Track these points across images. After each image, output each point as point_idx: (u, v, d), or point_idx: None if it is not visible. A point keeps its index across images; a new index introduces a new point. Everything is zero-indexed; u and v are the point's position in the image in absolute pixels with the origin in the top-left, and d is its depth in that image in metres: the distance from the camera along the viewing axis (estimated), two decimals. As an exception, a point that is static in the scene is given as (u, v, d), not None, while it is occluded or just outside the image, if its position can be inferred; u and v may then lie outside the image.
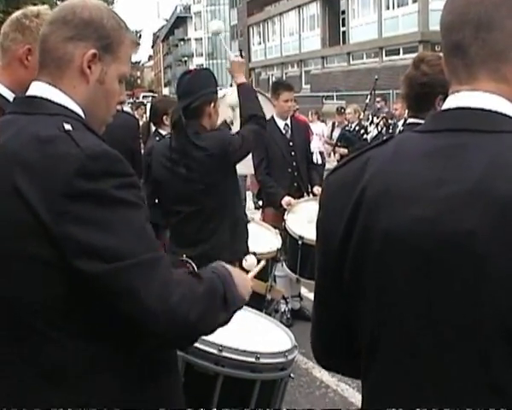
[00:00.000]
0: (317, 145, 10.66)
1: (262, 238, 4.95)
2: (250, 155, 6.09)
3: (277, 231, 5.24)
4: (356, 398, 4.62)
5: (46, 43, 1.68)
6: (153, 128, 6.14)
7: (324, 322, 1.50)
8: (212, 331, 1.73)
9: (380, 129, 11.14)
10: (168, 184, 3.81)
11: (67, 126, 1.54)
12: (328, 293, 1.44)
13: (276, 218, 5.93)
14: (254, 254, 3.86)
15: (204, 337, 2.46)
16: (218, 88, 3.98)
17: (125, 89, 1.82)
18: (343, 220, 1.33)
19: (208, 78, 3.84)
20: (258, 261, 2.22)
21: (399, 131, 6.12)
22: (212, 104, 3.76)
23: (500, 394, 1.17)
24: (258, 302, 4.11)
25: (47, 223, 1.46)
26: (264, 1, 53.30)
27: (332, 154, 11.73)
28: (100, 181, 1.49)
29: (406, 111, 4.36)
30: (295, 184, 6.23)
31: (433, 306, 1.21)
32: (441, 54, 1.38)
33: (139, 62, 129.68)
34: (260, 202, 6.76)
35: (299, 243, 5.50)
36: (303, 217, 5.63)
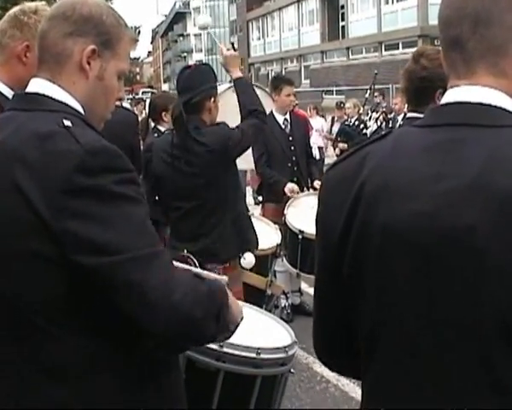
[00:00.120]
0: (315, 141, 10.67)
1: (262, 234, 4.95)
2: (250, 150, 6.11)
3: (277, 226, 5.24)
4: (356, 393, 4.63)
5: (45, 39, 1.68)
6: (152, 124, 6.12)
7: (324, 320, 1.50)
8: (207, 338, 1.69)
9: (379, 123, 11.15)
10: (169, 179, 3.81)
11: (67, 123, 1.54)
12: (328, 289, 1.44)
13: (277, 213, 5.93)
14: (252, 252, 3.87)
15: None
16: (219, 83, 3.97)
17: (123, 85, 1.82)
18: (342, 215, 1.32)
19: (208, 73, 3.84)
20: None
21: (399, 126, 6.12)
22: (212, 99, 3.76)
23: (501, 393, 1.16)
24: (259, 298, 4.12)
25: (47, 219, 1.46)
26: (263, -4, 53.29)
27: (332, 148, 11.74)
28: (99, 177, 1.48)
29: (406, 105, 4.35)
30: (295, 179, 6.23)
31: (434, 306, 1.20)
32: (440, 48, 1.38)
33: (138, 58, 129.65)
34: (260, 198, 6.76)
35: (300, 237, 5.50)
36: (303, 211, 5.63)
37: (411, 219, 1.22)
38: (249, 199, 9.20)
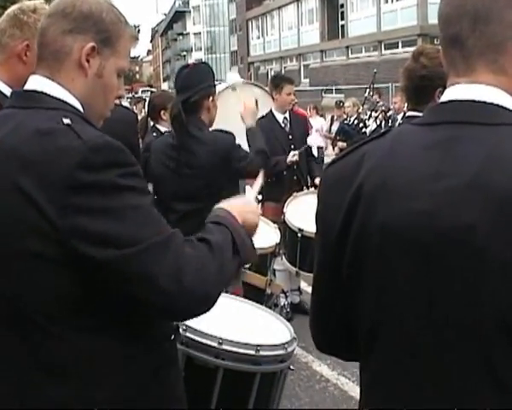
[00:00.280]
0: (315, 140, 10.65)
1: (260, 233, 4.94)
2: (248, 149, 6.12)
3: (276, 225, 5.24)
4: (355, 392, 4.62)
5: (44, 36, 1.67)
6: (150, 123, 6.12)
7: (324, 320, 1.50)
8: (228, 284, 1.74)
9: (379, 122, 11.15)
10: (168, 181, 3.79)
11: (67, 121, 1.53)
12: (328, 288, 1.44)
13: (276, 211, 5.93)
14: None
15: (204, 331, 2.47)
16: (218, 82, 3.97)
17: (123, 83, 1.81)
18: (341, 215, 1.32)
19: (206, 72, 3.84)
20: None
21: (399, 125, 6.12)
22: (211, 98, 3.76)
23: (501, 393, 1.17)
24: (258, 297, 4.12)
25: (51, 217, 1.45)
26: (262, -5, 53.26)
27: (331, 147, 11.73)
28: (103, 172, 1.48)
29: (406, 104, 4.36)
30: (295, 178, 6.24)
31: (434, 305, 1.20)
32: (440, 46, 1.38)
33: (138, 57, 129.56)
34: (260, 197, 6.76)
35: (299, 235, 5.50)
36: (302, 210, 5.63)
37: (411, 218, 1.22)
38: (249, 198, 9.18)
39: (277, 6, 50.68)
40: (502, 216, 1.13)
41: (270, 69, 49.92)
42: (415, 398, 1.25)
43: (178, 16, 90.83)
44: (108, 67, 1.69)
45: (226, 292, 3.16)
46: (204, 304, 1.59)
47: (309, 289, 6.46)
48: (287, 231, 5.63)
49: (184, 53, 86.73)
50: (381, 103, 12.61)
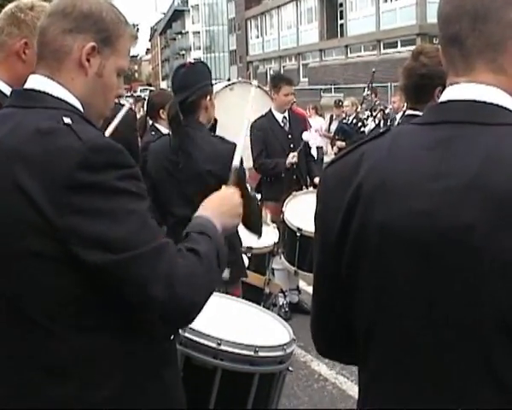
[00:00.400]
0: (314, 140, 10.64)
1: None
2: (248, 148, 6.12)
3: (274, 225, 5.25)
4: (354, 391, 4.62)
5: (44, 35, 1.67)
6: (149, 122, 6.11)
7: (324, 320, 1.49)
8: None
9: (377, 122, 11.15)
10: (166, 184, 3.75)
11: (67, 120, 1.54)
12: (327, 289, 1.44)
13: (276, 210, 5.94)
14: (251, 248, 3.83)
15: (203, 331, 2.47)
16: (218, 81, 3.95)
17: (123, 82, 1.81)
18: (340, 215, 1.32)
19: (203, 71, 3.81)
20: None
21: (397, 124, 6.12)
22: (208, 97, 3.73)
23: (501, 393, 1.16)
24: (257, 296, 4.12)
25: (50, 216, 1.46)
26: (261, -6, 53.28)
27: (330, 147, 11.74)
28: (102, 173, 1.48)
29: (405, 104, 4.35)
30: (294, 177, 6.24)
31: (434, 306, 1.20)
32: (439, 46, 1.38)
33: (137, 56, 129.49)
34: (259, 196, 6.76)
35: (298, 235, 5.50)
36: (302, 209, 5.63)
37: (410, 218, 1.21)
38: (247, 197, 9.18)
39: (276, 5, 50.69)
40: (501, 216, 1.13)
41: (269, 68, 49.92)
42: (415, 398, 1.25)
43: (177, 15, 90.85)
44: (108, 67, 1.69)
45: (226, 293, 3.16)
46: (192, 312, 1.61)
47: (308, 289, 6.47)
48: (286, 230, 5.63)
49: (183, 52, 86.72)
50: (377, 102, 12.62)
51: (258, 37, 56.74)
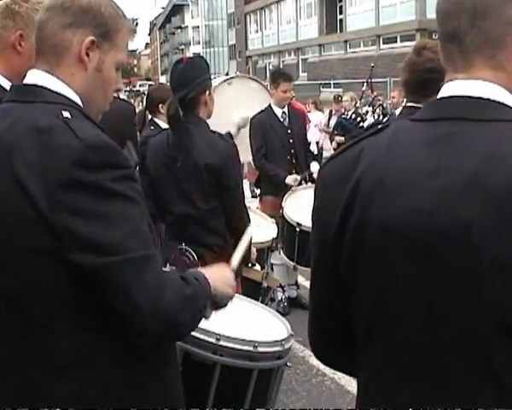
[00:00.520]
0: (313, 136, 10.63)
1: (258, 227, 4.94)
2: (247, 143, 6.11)
3: (273, 220, 5.24)
4: (352, 386, 4.63)
5: (43, 30, 1.67)
6: (148, 117, 6.10)
7: (323, 319, 1.48)
8: (186, 335, 1.83)
9: (376, 117, 11.14)
10: (164, 181, 3.73)
11: (66, 114, 1.54)
12: (325, 287, 1.43)
13: (275, 205, 5.94)
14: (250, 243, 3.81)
15: (202, 326, 2.46)
16: (217, 75, 3.93)
17: (121, 77, 1.81)
18: (338, 212, 1.31)
19: (201, 66, 3.78)
20: None
21: (397, 119, 6.10)
22: (208, 92, 3.71)
23: (501, 393, 1.16)
24: (255, 291, 4.11)
25: (46, 213, 1.46)
26: (261, -12, 53.17)
27: (329, 142, 11.73)
28: (98, 172, 1.48)
29: (404, 100, 4.33)
30: (294, 172, 6.24)
31: (434, 305, 1.20)
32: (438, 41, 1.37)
33: (136, 51, 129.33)
34: (258, 191, 6.76)
35: (297, 230, 5.50)
36: (301, 204, 5.62)
37: (409, 216, 1.21)
38: (246, 192, 9.19)
39: (276, 0, 50.60)
40: (501, 214, 1.12)
41: (269, 63, 49.83)
42: (414, 398, 1.24)
43: (177, 10, 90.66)
44: (108, 61, 1.69)
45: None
46: (172, 331, 1.61)
47: (306, 284, 6.47)
48: (285, 225, 5.63)
49: (182, 46, 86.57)
50: (373, 96, 12.61)
51: (257, 31, 56.63)
